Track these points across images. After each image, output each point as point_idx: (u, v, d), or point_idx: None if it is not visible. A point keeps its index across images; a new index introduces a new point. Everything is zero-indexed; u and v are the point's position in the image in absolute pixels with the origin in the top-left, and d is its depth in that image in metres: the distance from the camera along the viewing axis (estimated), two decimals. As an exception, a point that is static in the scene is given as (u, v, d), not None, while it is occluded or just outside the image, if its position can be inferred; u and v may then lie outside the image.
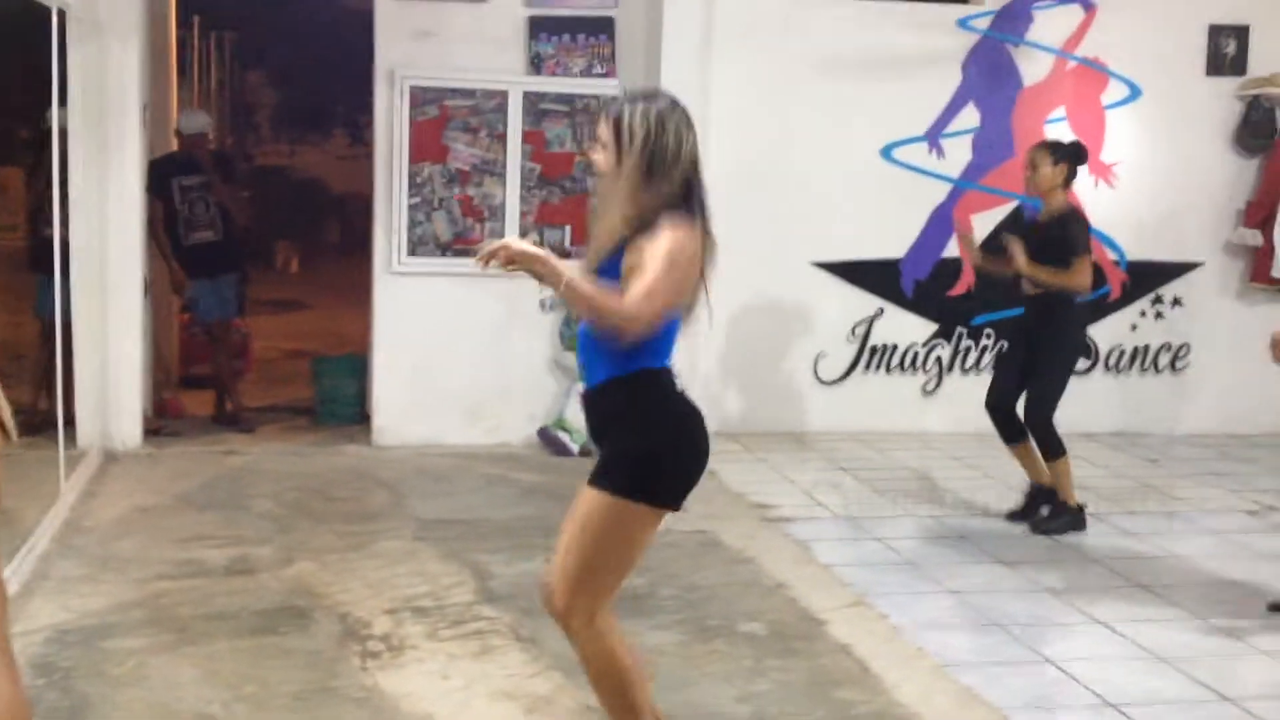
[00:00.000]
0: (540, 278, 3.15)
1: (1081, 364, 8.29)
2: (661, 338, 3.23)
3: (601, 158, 3.27)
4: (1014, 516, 6.29)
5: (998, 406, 6.29)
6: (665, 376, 3.30)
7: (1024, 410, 6.21)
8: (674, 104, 3.29)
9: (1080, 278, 6.01)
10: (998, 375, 6.48)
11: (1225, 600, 5.23)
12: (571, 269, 3.18)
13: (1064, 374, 6.19)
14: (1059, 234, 6.02)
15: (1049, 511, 6.19)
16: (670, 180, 3.19)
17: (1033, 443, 6.19)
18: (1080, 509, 6.18)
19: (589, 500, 3.26)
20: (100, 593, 4.94)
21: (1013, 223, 6.62)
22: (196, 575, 5.20)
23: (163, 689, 4.09)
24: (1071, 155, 6.17)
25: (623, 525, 3.26)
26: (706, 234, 3.25)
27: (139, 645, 4.43)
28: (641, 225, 3.16)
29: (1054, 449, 6.14)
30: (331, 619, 4.75)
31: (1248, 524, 6.42)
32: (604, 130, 3.26)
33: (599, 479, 3.27)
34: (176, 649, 4.41)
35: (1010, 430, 6.26)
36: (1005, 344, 6.74)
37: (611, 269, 3.20)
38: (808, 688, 4.24)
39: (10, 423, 3.17)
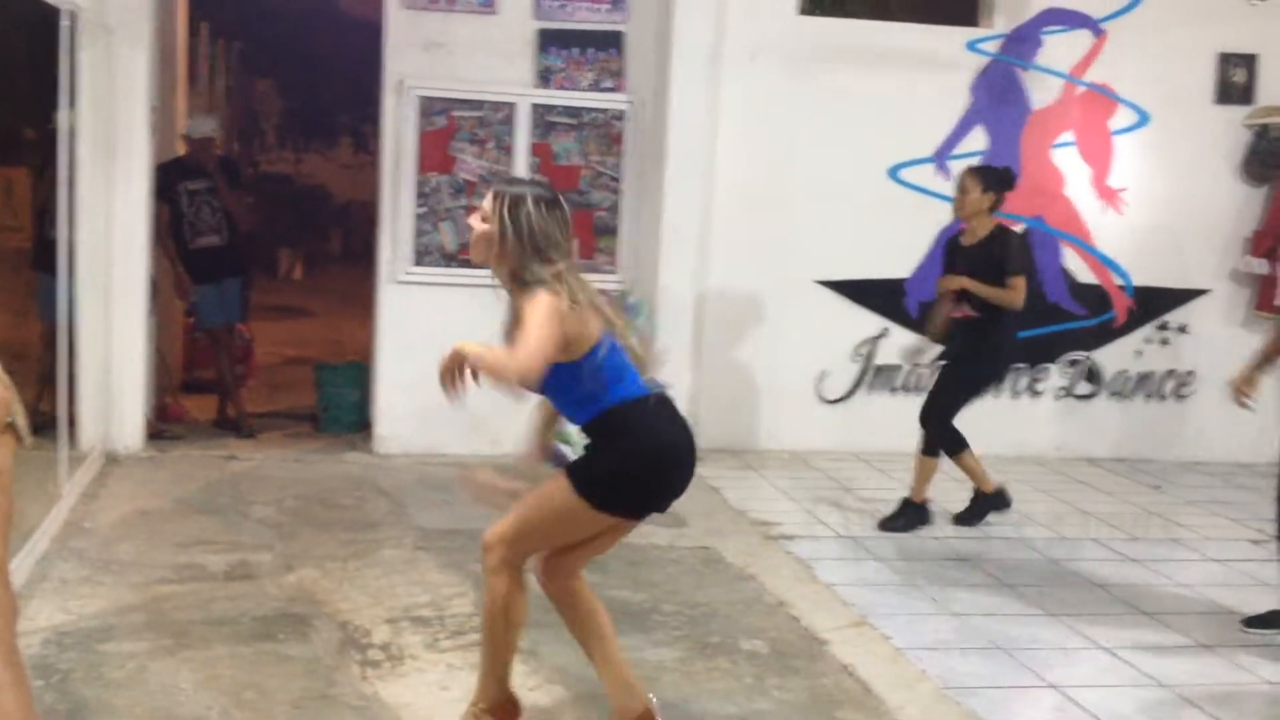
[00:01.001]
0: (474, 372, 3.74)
1: (1085, 389, 8.31)
2: (603, 379, 3.74)
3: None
4: (958, 519, 6.62)
5: (925, 420, 6.52)
6: (630, 409, 3.77)
7: (924, 406, 6.56)
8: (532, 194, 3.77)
9: (1015, 295, 6.24)
10: (931, 391, 6.69)
11: (1228, 628, 5.21)
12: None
13: (972, 389, 6.51)
14: (994, 254, 6.24)
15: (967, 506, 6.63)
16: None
17: (970, 453, 6.55)
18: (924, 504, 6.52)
19: (558, 479, 3.83)
20: (99, 595, 4.92)
21: (946, 249, 6.68)
22: (196, 580, 5.18)
23: (161, 693, 4.07)
24: (999, 182, 6.33)
25: (566, 509, 3.80)
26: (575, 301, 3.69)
27: (138, 649, 4.41)
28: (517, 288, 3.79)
29: (938, 448, 6.49)
30: (331, 627, 4.73)
31: (1251, 552, 6.40)
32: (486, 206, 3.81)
33: (572, 468, 3.83)
34: (175, 653, 4.39)
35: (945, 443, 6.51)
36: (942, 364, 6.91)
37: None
38: (809, 707, 4.22)
39: (25, 427, 3.16)
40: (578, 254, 3.89)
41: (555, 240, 3.74)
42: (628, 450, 3.77)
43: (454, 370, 3.74)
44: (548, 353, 3.61)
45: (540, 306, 3.64)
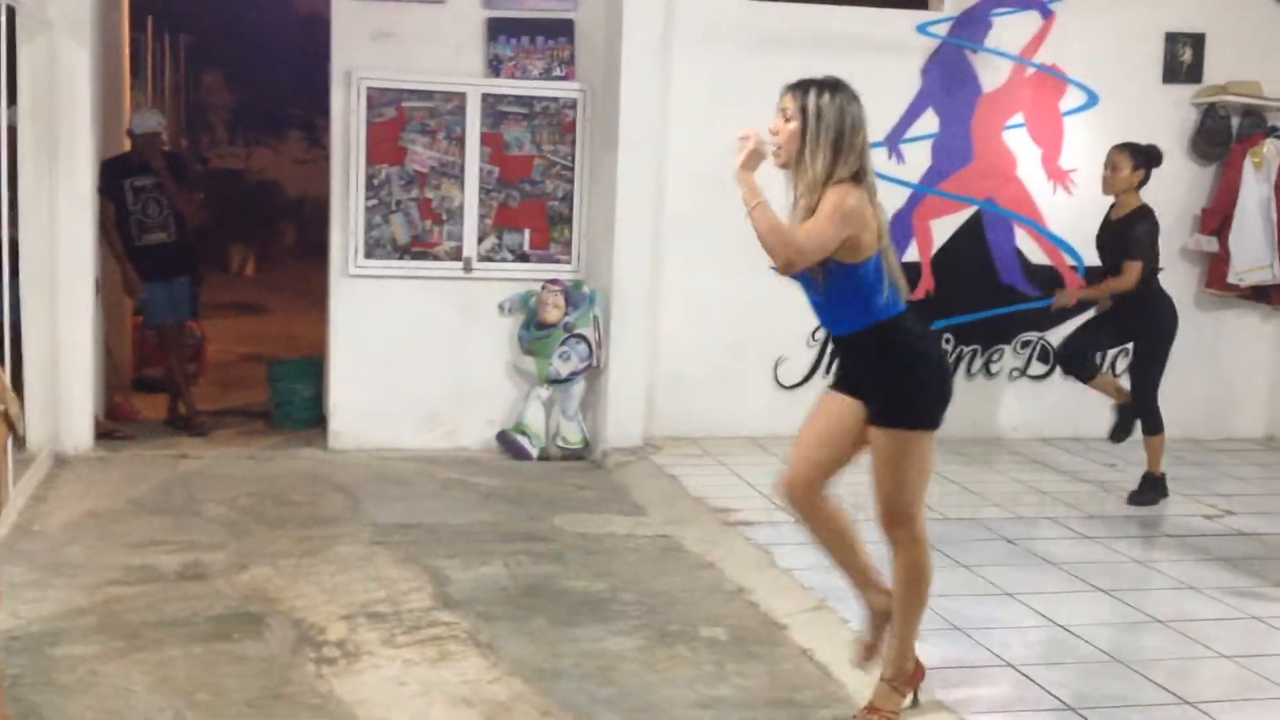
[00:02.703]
0: (749, 169, 3.74)
1: (1039, 369, 8.36)
2: (880, 289, 3.80)
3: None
4: (1113, 436, 7.02)
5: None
6: (905, 322, 3.87)
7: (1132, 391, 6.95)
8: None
9: (1125, 280, 6.64)
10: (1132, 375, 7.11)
11: (1183, 603, 5.25)
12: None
13: (1162, 361, 6.89)
14: (1129, 233, 6.67)
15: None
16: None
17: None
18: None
19: (882, 440, 3.86)
20: (49, 599, 4.85)
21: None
22: (148, 581, 5.11)
23: (113, 696, 4.01)
24: (1148, 159, 6.71)
25: (914, 453, 3.88)
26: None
27: (89, 652, 4.35)
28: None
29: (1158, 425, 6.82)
30: (286, 625, 4.68)
31: (1205, 527, 6.46)
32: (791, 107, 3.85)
33: (883, 416, 3.85)
34: (127, 656, 4.33)
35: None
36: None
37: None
38: (769, 692, 4.21)
39: (21, 422, 3.11)
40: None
41: (861, 134, 3.80)
42: (921, 362, 3.87)
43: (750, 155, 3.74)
44: (828, 245, 3.67)
45: (834, 198, 3.68)
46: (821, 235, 3.68)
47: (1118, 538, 6.21)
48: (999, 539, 6.10)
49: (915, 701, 4.06)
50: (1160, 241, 8.30)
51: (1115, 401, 7.01)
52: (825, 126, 3.77)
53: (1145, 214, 6.70)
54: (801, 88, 3.86)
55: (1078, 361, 6.96)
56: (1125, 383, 7.16)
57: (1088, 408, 8.35)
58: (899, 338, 3.86)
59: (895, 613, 4.00)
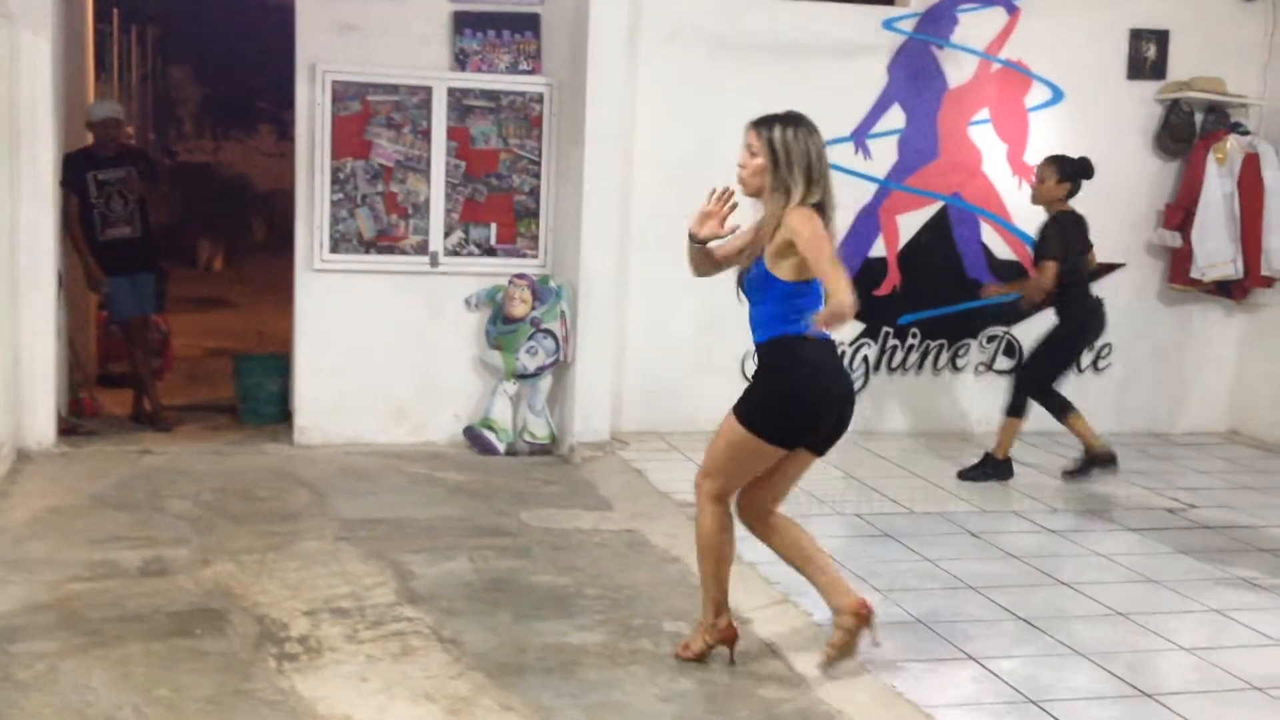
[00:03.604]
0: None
1: (1004, 363, 8.40)
2: (799, 308, 4.08)
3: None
4: (1067, 475, 7.22)
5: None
6: (800, 344, 4.10)
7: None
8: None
9: (1039, 280, 6.97)
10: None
11: (1145, 596, 5.29)
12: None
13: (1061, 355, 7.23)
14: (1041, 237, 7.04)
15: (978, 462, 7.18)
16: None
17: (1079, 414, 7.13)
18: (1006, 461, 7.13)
19: (729, 418, 4.18)
20: (8, 595, 4.82)
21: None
22: (110, 577, 5.08)
23: (72, 693, 3.99)
24: (1076, 171, 6.98)
25: (740, 442, 4.16)
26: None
27: (48, 649, 4.32)
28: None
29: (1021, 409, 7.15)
30: (248, 621, 4.66)
31: (1167, 521, 6.51)
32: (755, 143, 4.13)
33: (737, 406, 4.19)
34: (87, 652, 4.31)
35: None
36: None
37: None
38: (732, 686, 4.22)
39: None
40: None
41: (824, 162, 4.09)
42: (785, 380, 4.15)
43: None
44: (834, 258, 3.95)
45: (803, 223, 3.95)
46: (832, 257, 3.94)
47: (1081, 531, 6.25)
48: (963, 532, 6.13)
49: (731, 660, 4.37)
50: (1125, 235, 8.47)
51: (1085, 449, 7.15)
52: (795, 159, 4.05)
53: (1055, 218, 6.96)
54: (765, 124, 4.13)
55: (1047, 398, 7.18)
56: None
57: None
58: (795, 355, 4.13)
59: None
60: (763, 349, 4.21)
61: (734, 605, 4.93)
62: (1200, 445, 8.39)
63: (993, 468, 7.10)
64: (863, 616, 4.25)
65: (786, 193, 4.05)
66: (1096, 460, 7.11)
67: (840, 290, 3.80)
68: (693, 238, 4.29)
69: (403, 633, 4.59)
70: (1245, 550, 6.02)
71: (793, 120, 4.12)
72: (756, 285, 4.16)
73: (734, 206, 4.22)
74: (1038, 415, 8.36)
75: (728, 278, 4.47)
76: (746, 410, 4.16)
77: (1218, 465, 7.85)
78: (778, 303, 4.10)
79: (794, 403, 4.13)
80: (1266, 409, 8.57)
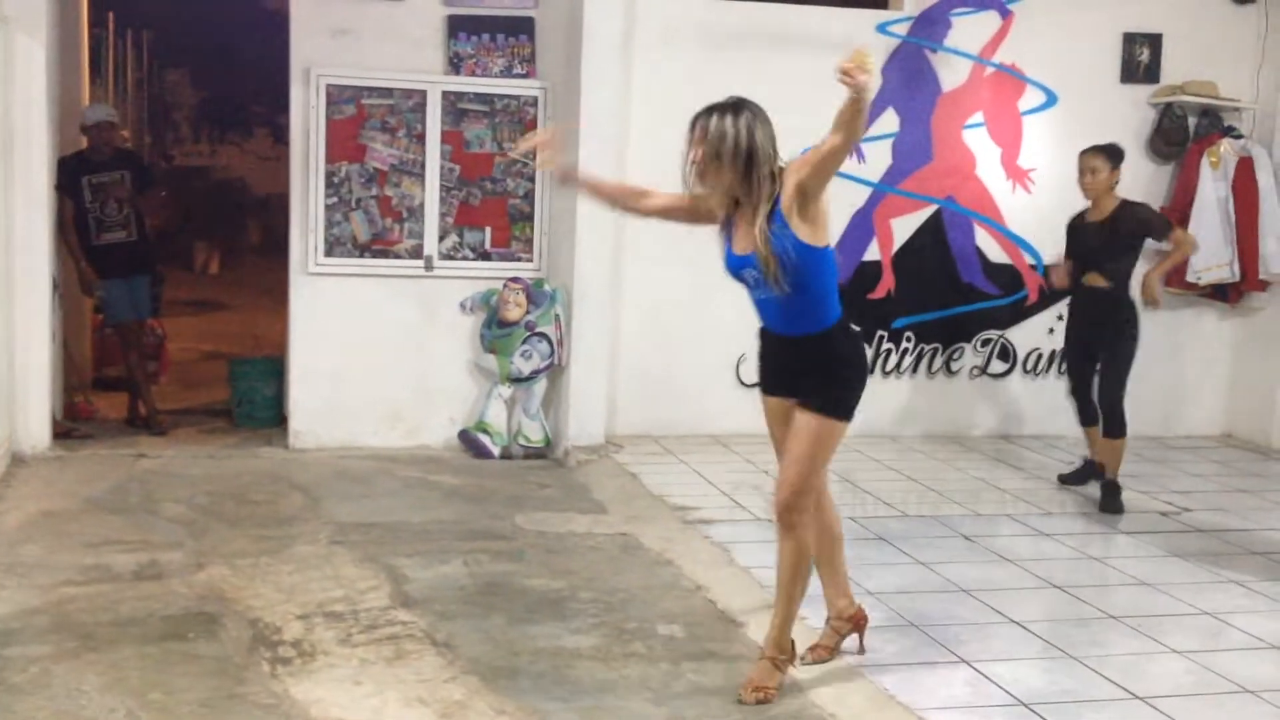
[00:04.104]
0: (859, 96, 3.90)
1: (999, 367, 8.41)
2: (833, 285, 4.13)
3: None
4: (1064, 479, 7.15)
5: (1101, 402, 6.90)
6: (844, 324, 4.19)
7: (1099, 391, 6.89)
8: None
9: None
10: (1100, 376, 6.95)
11: (1138, 600, 5.30)
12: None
13: (1130, 362, 6.88)
14: (1127, 227, 6.76)
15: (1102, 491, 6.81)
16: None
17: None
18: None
19: (808, 420, 4.12)
20: (2, 599, 4.81)
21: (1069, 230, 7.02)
22: (103, 581, 5.08)
23: (65, 697, 3.99)
24: (1121, 158, 6.83)
25: (833, 437, 4.17)
26: None
27: (41, 652, 4.32)
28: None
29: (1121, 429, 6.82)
30: (241, 625, 4.66)
31: (1161, 524, 6.51)
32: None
33: (820, 404, 4.12)
34: (80, 656, 4.31)
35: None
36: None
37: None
38: (725, 690, 4.22)
39: None
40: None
41: (771, 149, 4.06)
42: (860, 363, 4.27)
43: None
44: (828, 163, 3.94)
45: (804, 158, 3.97)
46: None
47: (1075, 534, 6.26)
48: (957, 536, 6.13)
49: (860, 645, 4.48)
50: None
51: (1102, 474, 6.86)
52: (736, 146, 4.00)
53: (1138, 203, 6.90)
54: (707, 114, 4.09)
55: (1088, 406, 7.00)
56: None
57: (1046, 406, 8.43)
58: (853, 339, 4.29)
59: (779, 591, 4.23)
60: (820, 340, 4.14)
61: (726, 608, 4.98)
62: (1194, 448, 8.40)
63: (1113, 489, 6.79)
64: (858, 624, 4.45)
65: (745, 177, 4.02)
66: (1097, 471, 6.96)
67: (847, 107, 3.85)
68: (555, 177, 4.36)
69: (396, 636, 4.59)
70: (1238, 553, 6.03)
71: (733, 107, 4.09)
72: (798, 268, 3.99)
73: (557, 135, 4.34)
74: (1033, 417, 8.42)
75: (722, 280, 4.44)
76: (839, 405, 4.14)
77: (1212, 468, 7.86)
78: (821, 275, 4.06)
79: (864, 378, 4.28)
80: (1261, 412, 8.58)
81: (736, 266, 4.16)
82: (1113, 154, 6.79)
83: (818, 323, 4.12)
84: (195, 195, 18.32)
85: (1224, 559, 5.92)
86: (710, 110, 4.09)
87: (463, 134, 7.53)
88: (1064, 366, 7.61)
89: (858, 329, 4.35)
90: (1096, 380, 6.89)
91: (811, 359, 4.15)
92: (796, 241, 3.98)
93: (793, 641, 4.23)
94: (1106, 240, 6.78)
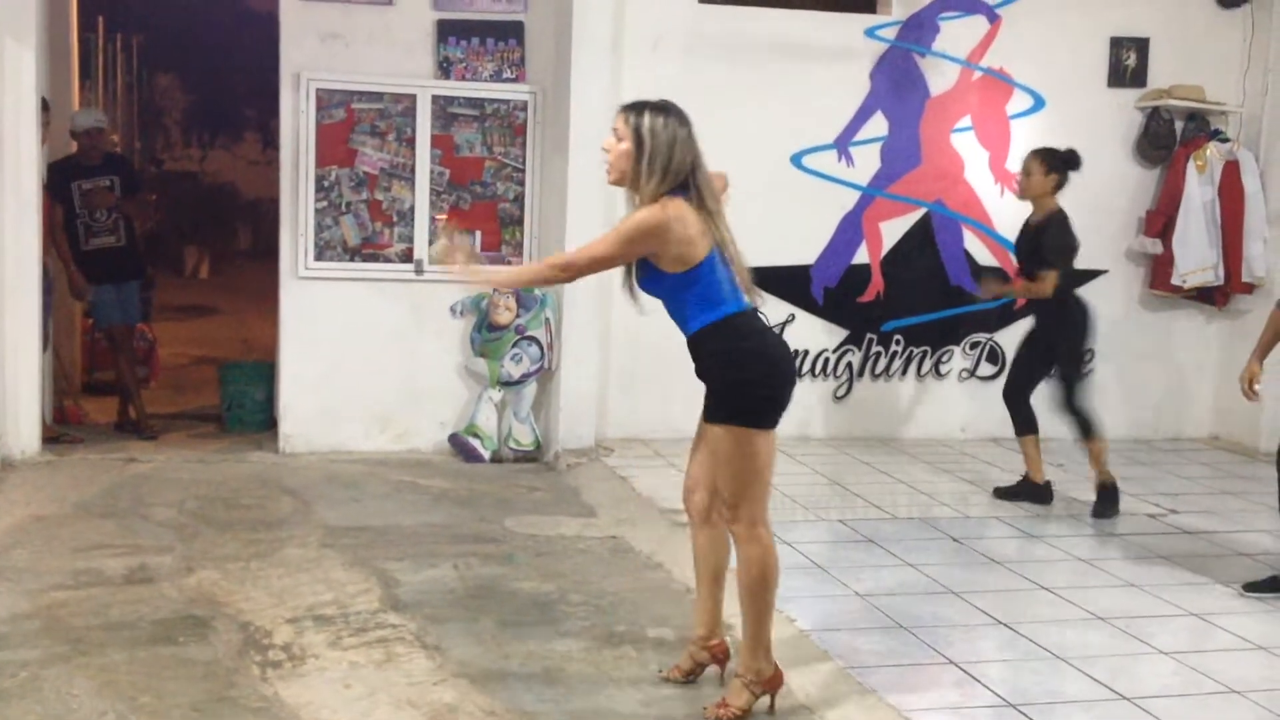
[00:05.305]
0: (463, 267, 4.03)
1: (988, 370, 8.44)
2: (712, 294, 3.94)
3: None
4: (1000, 493, 6.97)
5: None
6: (739, 320, 3.97)
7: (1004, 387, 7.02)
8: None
9: (1041, 287, 6.63)
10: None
11: (1125, 601, 5.32)
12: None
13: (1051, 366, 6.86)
14: (1043, 239, 6.63)
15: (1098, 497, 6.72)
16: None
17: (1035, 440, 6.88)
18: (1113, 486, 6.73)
19: (714, 433, 3.97)
20: (-9, 604, 4.82)
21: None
22: (94, 585, 5.08)
23: (55, 701, 3.99)
24: (1064, 163, 6.66)
25: (747, 446, 3.93)
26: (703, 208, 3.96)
27: (31, 657, 4.32)
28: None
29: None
30: (232, 628, 4.66)
31: (1149, 525, 6.54)
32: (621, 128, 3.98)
33: (714, 412, 3.97)
34: (70, 660, 4.31)
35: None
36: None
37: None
38: (714, 692, 4.23)
39: None
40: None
41: (691, 154, 3.95)
42: (746, 357, 3.94)
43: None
44: (600, 260, 3.97)
45: (637, 216, 3.89)
46: (593, 251, 3.97)
47: (1063, 536, 6.29)
48: (946, 538, 6.16)
49: (772, 708, 4.07)
50: (1107, 242, 8.51)
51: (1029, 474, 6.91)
52: (658, 147, 3.92)
53: (1053, 217, 6.63)
54: (635, 109, 4.01)
55: (1021, 412, 6.91)
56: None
57: (1037, 409, 8.44)
58: (738, 333, 3.97)
59: (742, 609, 4.07)
60: (698, 339, 4.01)
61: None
62: (1182, 451, 8.44)
63: (1108, 497, 6.72)
64: (716, 656, 4.26)
65: (643, 184, 3.92)
66: (1037, 492, 6.88)
67: (519, 274, 3.96)
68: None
69: (386, 639, 4.60)
70: (1226, 555, 6.06)
71: (663, 109, 3.99)
72: (655, 286, 4.03)
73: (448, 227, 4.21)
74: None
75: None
76: (730, 408, 3.94)
77: (1199, 471, 7.89)
78: (686, 291, 3.96)
79: (764, 370, 3.94)
80: (1248, 415, 8.59)
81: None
82: (1051, 158, 6.62)
83: (686, 323, 4.03)
84: (185, 200, 18.31)
85: (1211, 560, 5.95)
86: (641, 107, 4.02)
87: (453, 138, 7.55)
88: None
89: (763, 328, 4.10)
90: (1057, 389, 6.77)
91: (698, 360, 4.04)
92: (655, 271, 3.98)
93: (776, 667, 4.07)
94: (1033, 247, 6.67)
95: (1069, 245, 6.65)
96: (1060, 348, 6.75)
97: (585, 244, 4.06)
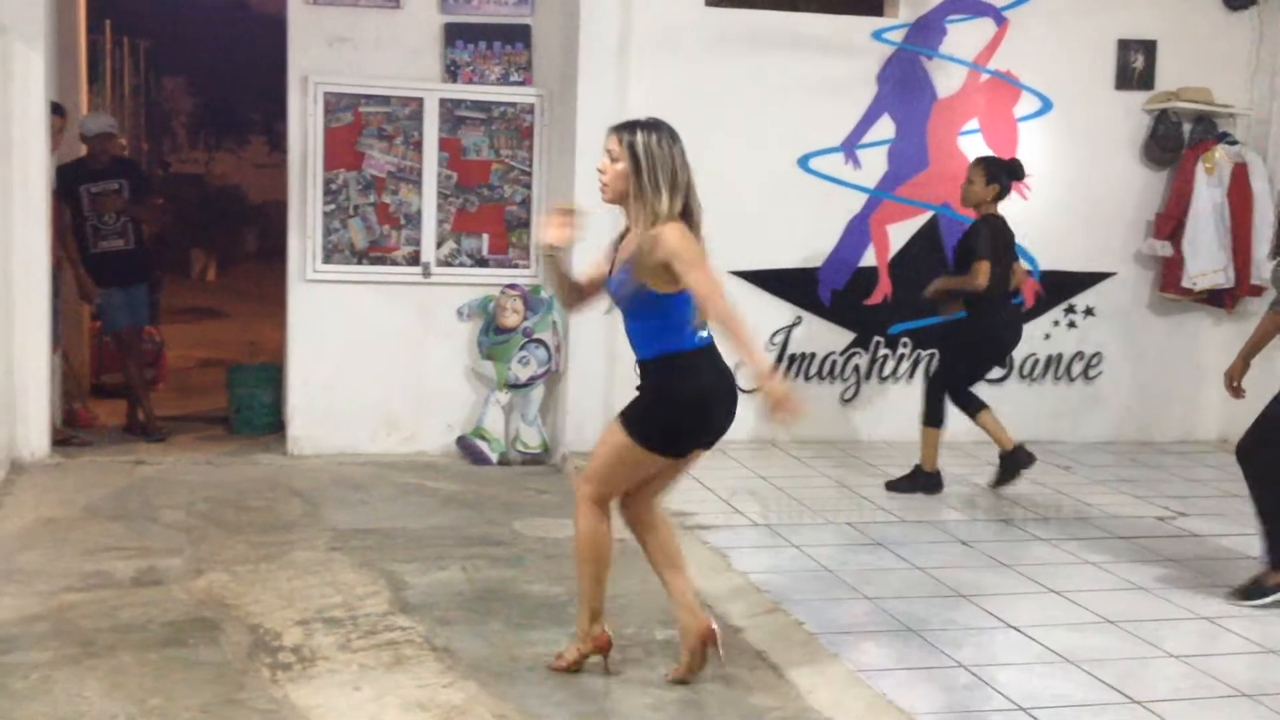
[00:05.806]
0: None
1: (996, 372, 8.42)
2: (678, 321, 4.06)
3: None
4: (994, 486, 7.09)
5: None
6: (692, 358, 4.10)
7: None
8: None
9: (972, 279, 6.72)
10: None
11: (1133, 604, 5.31)
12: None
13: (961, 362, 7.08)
14: (968, 241, 6.86)
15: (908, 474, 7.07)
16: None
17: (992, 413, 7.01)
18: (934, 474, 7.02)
19: (612, 426, 4.17)
20: (2, 606, 4.83)
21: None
22: (103, 587, 5.10)
23: (65, 703, 4.00)
24: (1006, 173, 6.88)
25: (627, 451, 4.12)
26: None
27: (42, 659, 4.34)
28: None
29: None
30: (241, 630, 4.67)
31: (1156, 528, 6.53)
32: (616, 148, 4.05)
33: (624, 415, 4.14)
34: (81, 662, 4.32)
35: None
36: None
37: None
38: (723, 695, 4.24)
39: None
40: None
41: (687, 171, 4.04)
42: (675, 397, 4.10)
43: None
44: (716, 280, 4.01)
45: (676, 239, 3.93)
46: (712, 277, 3.99)
47: (1071, 539, 6.27)
48: (954, 540, 6.15)
49: (606, 669, 4.35)
50: (1116, 245, 8.50)
51: (1000, 451, 7.01)
52: (659, 165, 3.99)
53: (986, 220, 6.83)
54: (628, 129, 4.05)
55: (961, 398, 7.05)
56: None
57: (1043, 411, 8.46)
58: (684, 371, 4.08)
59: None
60: (648, 365, 4.15)
61: (723, 613, 4.99)
62: (1190, 454, 8.42)
63: (922, 480, 7.00)
64: (707, 640, 4.28)
65: (650, 201, 3.99)
66: (1015, 460, 6.99)
67: (715, 302, 3.90)
68: (543, 247, 4.21)
69: (395, 642, 4.61)
70: (1234, 558, 6.04)
71: (655, 126, 4.05)
72: (630, 299, 4.09)
73: (575, 215, 4.14)
74: (1030, 422, 8.42)
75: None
76: (635, 422, 4.11)
77: (1207, 474, 7.87)
78: (657, 316, 4.07)
79: (685, 415, 4.12)
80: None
81: (611, 286, 4.20)
82: (992, 166, 6.87)
83: (643, 345, 4.13)
84: (192, 203, 18.35)
85: (1219, 564, 5.93)
86: (635, 126, 4.07)
87: (460, 141, 7.56)
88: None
89: (709, 368, 4.15)
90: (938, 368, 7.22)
91: (641, 378, 4.20)
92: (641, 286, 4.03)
93: (605, 630, 4.32)
94: (966, 248, 6.87)
95: (995, 242, 6.78)
96: (962, 338, 6.98)
97: (700, 277, 3.94)
